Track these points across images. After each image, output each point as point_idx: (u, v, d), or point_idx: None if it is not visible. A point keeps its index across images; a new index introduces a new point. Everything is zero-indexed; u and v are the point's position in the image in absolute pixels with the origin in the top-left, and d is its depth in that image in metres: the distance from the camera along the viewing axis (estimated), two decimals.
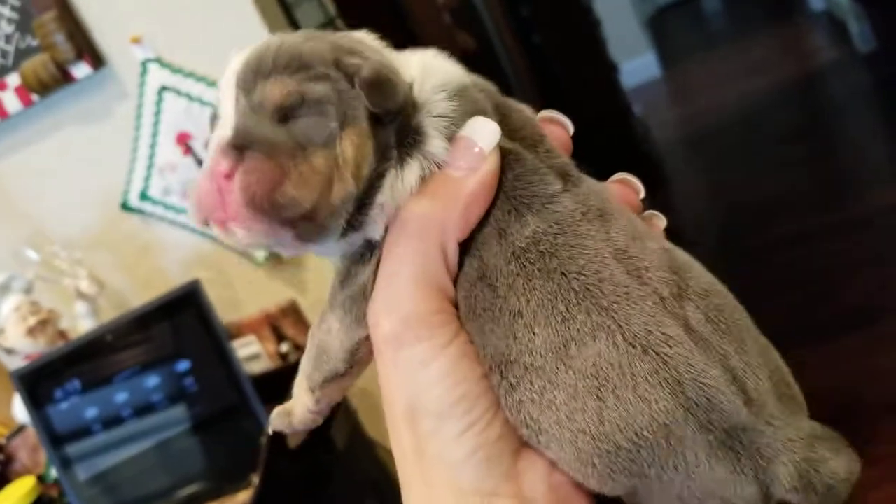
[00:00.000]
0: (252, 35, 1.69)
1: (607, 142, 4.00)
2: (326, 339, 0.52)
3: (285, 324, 1.82)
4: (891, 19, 3.81)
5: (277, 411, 0.55)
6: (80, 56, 1.70)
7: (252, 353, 1.83)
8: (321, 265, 1.81)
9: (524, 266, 0.46)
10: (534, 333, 0.45)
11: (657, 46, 6.01)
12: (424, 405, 0.46)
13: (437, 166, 0.47)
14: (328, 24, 1.96)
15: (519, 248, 0.46)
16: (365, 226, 0.47)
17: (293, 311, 1.81)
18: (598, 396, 0.44)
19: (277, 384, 1.60)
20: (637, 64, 5.62)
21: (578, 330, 0.44)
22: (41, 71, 1.68)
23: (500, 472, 0.47)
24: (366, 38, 0.50)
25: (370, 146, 0.46)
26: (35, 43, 1.70)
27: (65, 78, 1.72)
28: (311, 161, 0.45)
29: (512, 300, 0.46)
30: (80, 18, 1.71)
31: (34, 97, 1.74)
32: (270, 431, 0.56)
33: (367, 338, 0.49)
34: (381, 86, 0.46)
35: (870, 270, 2.88)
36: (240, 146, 0.44)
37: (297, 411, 0.55)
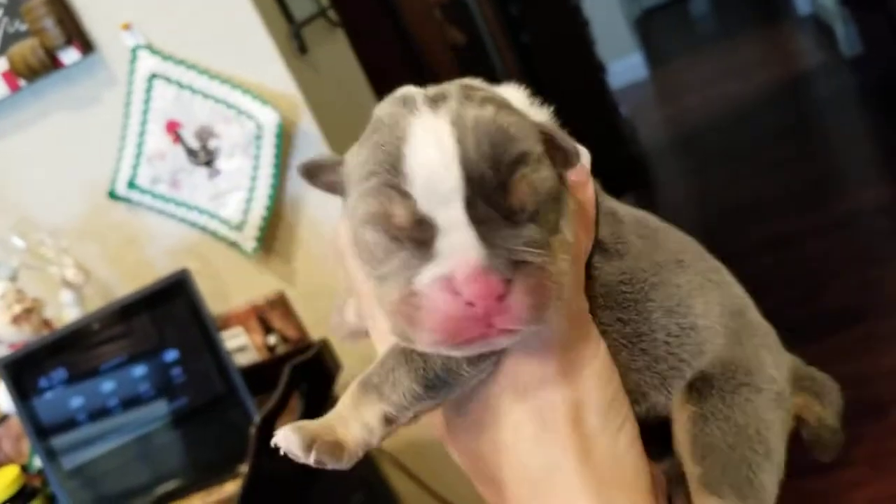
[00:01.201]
0: (244, 22, 1.67)
1: (594, 142, 3.99)
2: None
3: (273, 316, 1.81)
4: (877, 24, 3.83)
5: (314, 442, 0.47)
6: (69, 42, 1.68)
7: (239, 345, 1.81)
8: (309, 257, 1.80)
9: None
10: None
11: (644, 47, 6.02)
12: (590, 403, 0.49)
13: None
14: (320, 14, 1.95)
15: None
16: None
17: (281, 303, 1.79)
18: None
19: (264, 376, 1.59)
20: (624, 64, 5.64)
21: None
22: (29, 56, 1.66)
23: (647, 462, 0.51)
24: (484, 86, 0.50)
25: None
26: (24, 28, 1.68)
27: (53, 64, 1.69)
28: (558, 262, 0.44)
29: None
30: (70, 3, 1.68)
31: (22, 82, 1.72)
32: (288, 452, 0.47)
33: None
34: (577, 157, 0.49)
35: (854, 271, 2.90)
36: (505, 265, 0.42)
37: (352, 443, 0.48)
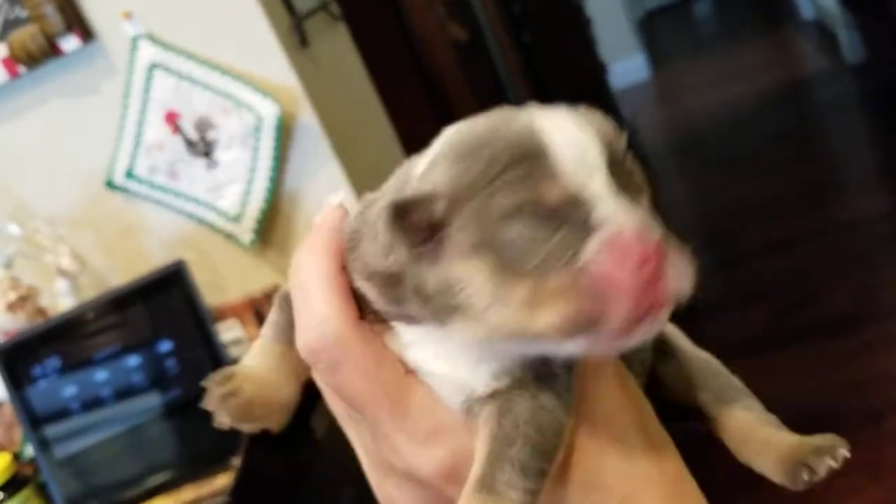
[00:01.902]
0: (245, 14, 1.66)
1: None
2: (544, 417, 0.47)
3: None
4: (880, 31, 3.83)
5: None
6: (69, 29, 1.67)
7: (234, 338, 1.81)
8: None
9: None
10: None
11: (647, 48, 6.02)
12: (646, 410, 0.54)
13: None
14: (321, 8, 1.94)
15: None
16: None
17: None
18: None
19: None
20: (626, 65, 5.64)
21: None
22: (29, 43, 1.65)
23: None
24: None
25: None
26: (24, 14, 1.67)
27: (53, 51, 1.69)
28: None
29: None
30: None
31: (21, 69, 1.71)
32: None
33: None
34: None
35: (852, 278, 2.90)
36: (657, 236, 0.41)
37: None
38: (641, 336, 0.42)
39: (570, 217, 0.41)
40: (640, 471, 0.49)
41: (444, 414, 0.48)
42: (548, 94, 3.82)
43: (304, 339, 0.49)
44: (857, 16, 4.10)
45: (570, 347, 0.42)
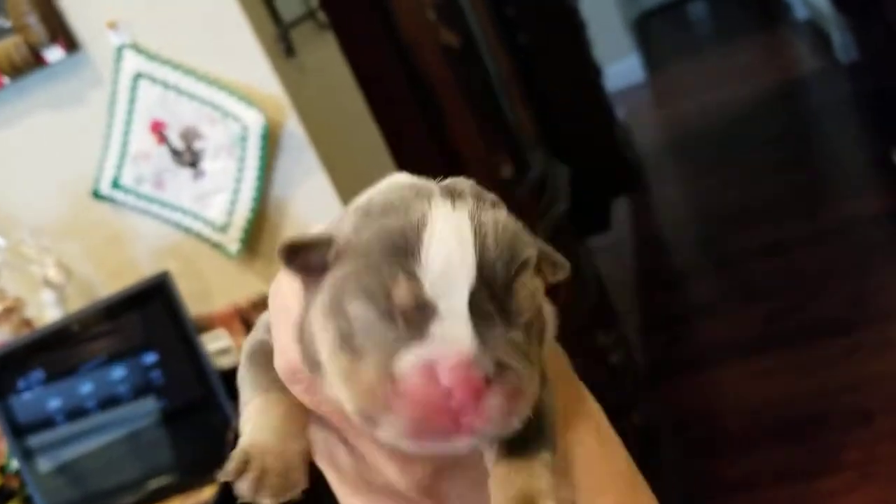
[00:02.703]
0: (230, 24, 1.66)
1: (589, 144, 4.01)
2: None
3: (256, 318, 1.80)
4: (873, 31, 3.82)
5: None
6: (53, 39, 1.67)
7: (222, 347, 1.80)
8: None
9: None
10: None
11: (642, 50, 6.02)
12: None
13: None
14: (308, 16, 1.94)
15: None
16: None
17: (264, 306, 1.78)
18: None
19: None
20: (622, 67, 5.63)
21: None
22: (13, 53, 1.65)
23: None
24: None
25: None
26: (7, 24, 1.67)
27: (37, 61, 1.68)
28: (535, 372, 0.45)
29: None
30: (55, 1, 1.68)
31: (5, 80, 1.71)
32: None
33: None
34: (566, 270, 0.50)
35: (846, 279, 2.90)
36: (490, 364, 0.42)
37: None
38: (447, 450, 0.44)
39: (413, 320, 0.43)
40: (600, 469, 0.53)
41: None
42: (543, 98, 3.81)
43: (283, 359, 0.50)
44: (850, 17, 4.10)
45: (377, 431, 0.45)
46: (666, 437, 2.54)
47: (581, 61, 4.16)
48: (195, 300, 1.70)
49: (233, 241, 1.77)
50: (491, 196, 0.48)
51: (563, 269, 0.50)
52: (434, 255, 0.43)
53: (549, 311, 0.50)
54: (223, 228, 1.77)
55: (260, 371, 0.53)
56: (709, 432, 2.59)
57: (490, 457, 0.48)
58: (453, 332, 0.42)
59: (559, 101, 3.94)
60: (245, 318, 1.79)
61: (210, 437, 1.49)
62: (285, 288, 0.51)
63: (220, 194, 1.76)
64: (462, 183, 0.48)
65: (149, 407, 1.54)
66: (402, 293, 0.43)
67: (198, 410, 1.52)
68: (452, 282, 0.43)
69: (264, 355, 0.52)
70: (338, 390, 0.45)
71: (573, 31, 4.13)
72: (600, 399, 0.58)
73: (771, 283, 3.07)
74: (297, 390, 0.50)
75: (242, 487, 0.47)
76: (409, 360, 0.42)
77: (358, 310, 0.44)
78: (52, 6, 1.67)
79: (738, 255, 3.37)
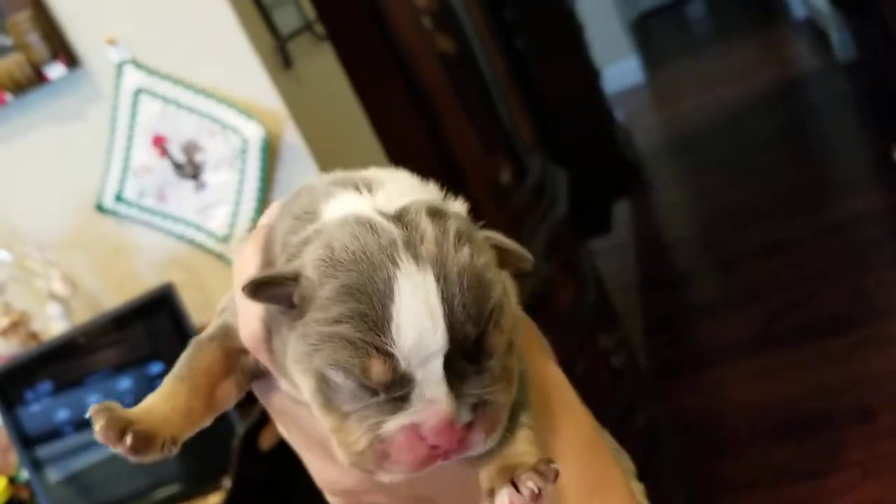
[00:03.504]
0: (228, 37, 1.68)
1: (589, 146, 4.02)
2: None
3: None
4: (870, 30, 3.84)
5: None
6: (54, 56, 1.69)
7: None
8: None
9: None
10: None
11: (640, 51, 6.03)
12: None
13: None
14: (306, 29, 1.96)
15: None
16: None
17: None
18: None
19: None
20: (620, 68, 5.65)
21: None
22: (15, 71, 1.68)
23: None
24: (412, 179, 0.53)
25: None
26: (9, 42, 1.69)
27: (39, 78, 1.71)
28: (512, 385, 0.49)
29: None
30: (55, 18, 1.70)
31: (7, 97, 1.74)
32: None
33: None
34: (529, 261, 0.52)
35: (846, 278, 2.91)
36: (469, 410, 0.46)
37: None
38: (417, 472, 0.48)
39: (392, 389, 0.45)
40: (563, 430, 0.55)
41: None
42: (541, 102, 3.83)
43: (247, 330, 0.53)
44: (848, 15, 4.12)
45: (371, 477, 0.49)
46: (668, 438, 2.56)
47: (580, 63, 4.17)
48: (199, 310, 1.72)
49: (235, 251, 1.79)
50: (453, 213, 0.49)
51: (526, 262, 0.51)
52: (405, 330, 0.44)
53: (509, 286, 0.51)
54: (225, 240, 1.79)
55: (183, 364, 0.55)
56: (711, 432, 2.61)
57: None
58: (432, 397, 0.45)
59: (559, 103, 3.96)
60: None
61: (215, 444, 1.51)
62: (248, 263, 0.54)
63: (221, 206, 1.78)
64: (418, 207, 0.48)
65: None
66: (378, 371, 0.45)
67: None
68: (426, 354, 0.45)
69: (198, 345, 0.56)
70: (329, 443, 0.49)
71: (571, 34, 4.14)
72: (603, 400, 0.61)
73: (771, 283, 3.09)
74: (261, 357, 0.53)
75: (93, 411, 0.50)
76: (395, 426, 0.46)
77: (337, 379, 0.46)
78: (52, 24, 1.69)
79: (738, 255, 3.38)
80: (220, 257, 1.81)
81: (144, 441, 0.50)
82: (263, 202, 1.76)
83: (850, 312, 2.76)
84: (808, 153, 3.92)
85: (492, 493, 0.47)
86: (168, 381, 0.54)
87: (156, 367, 1.57)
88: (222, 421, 1.53)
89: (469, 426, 0.46)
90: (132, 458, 0.50)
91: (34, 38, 1.67)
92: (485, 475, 0.49)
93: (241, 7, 1.71)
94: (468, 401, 0.46)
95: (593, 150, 4.02)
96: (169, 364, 1.57)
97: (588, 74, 4.21)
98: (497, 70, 3.20)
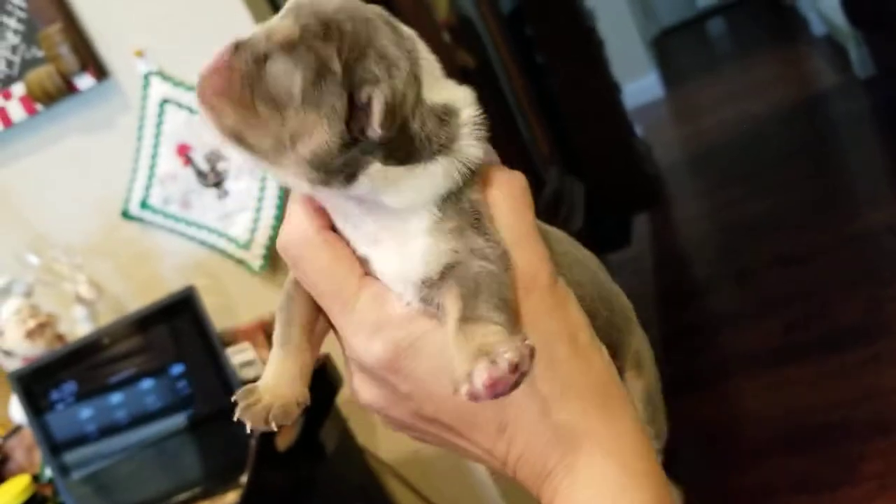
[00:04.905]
0: None
1: (609, 162, 4.04)
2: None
3: None
4: (890, 46, 3.84)
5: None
6: (84, 68, 1.75)
7: (247, 360, 1.86)
8: None
9: None
10: None
11: (660, 67, 6.05)
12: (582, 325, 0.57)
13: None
14: None
15: None
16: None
17: None
18: None
19: None
20: (641, 84, 5.67)
21: None
22: (46, 81, 1.73)
23: None
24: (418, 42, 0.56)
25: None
26: (40, 54, 1.75)
27: (69, 89, 1.76)
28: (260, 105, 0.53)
29: None
30: (85, 31, 1.76)
31: (38, 107, 1.79)
32: None
33: None
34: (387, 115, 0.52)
35: (864, 290, 2.91)
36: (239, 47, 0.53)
37: None
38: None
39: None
40: (564, 375, 0.54)
41: (389, 309, 0.55)
42: (561, 117, 3.86)
43: (279, 239, 0.59)
44: (867, 32, 4.12)
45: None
46: (687, 448, 2.56)
47: (599, 80, 4.20)
48: (220, 315, 1.76)
49: (256, 257, 1.84)
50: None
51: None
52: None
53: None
54: (247, 245, 1.84)
55: (282, 325, 0.60)
56: (729, 443, 2.60)
57: (450, 327, 0.51)
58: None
59: (580, 119, 3.98)
60: (268, 331, 1.85)
61: (234, 445, 1.54)
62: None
63: (243, 213, 1.82)
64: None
65: (176, 417, 1.59)
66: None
67: (222, 419, 1.57)
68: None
69: (286, 311, 0.60)
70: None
71: (592, 49, 4.17)
72: None
73: (790, 295, 3.08)
74: (288, 265, 0.58)
75: (238, 409, 0.56)
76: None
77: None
78: (82, 37, 1.75)
79: (756, 267, 3.38)
80: (241, 263, 1.85)
81: (284, 414, 0.56)
82: (283, 209, 1.80)
83: (868, 324, 2.75)
84: (827, 168, 3.92)
85: (469, 377, 0.46)
86: (276, 349, 0.59)
87: (177, 369, 1.61)
88: (239, 421, 1.56)
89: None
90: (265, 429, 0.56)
91: (65, 51, 1.72)
92: (460, 360, 0.48)
93: (262, 19, 1.75)
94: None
95: (614, 164, 4.04)
96: (190, 366, 1.60)
97: (608, 90, 4.23)
98: (516, 85, 3.24)
